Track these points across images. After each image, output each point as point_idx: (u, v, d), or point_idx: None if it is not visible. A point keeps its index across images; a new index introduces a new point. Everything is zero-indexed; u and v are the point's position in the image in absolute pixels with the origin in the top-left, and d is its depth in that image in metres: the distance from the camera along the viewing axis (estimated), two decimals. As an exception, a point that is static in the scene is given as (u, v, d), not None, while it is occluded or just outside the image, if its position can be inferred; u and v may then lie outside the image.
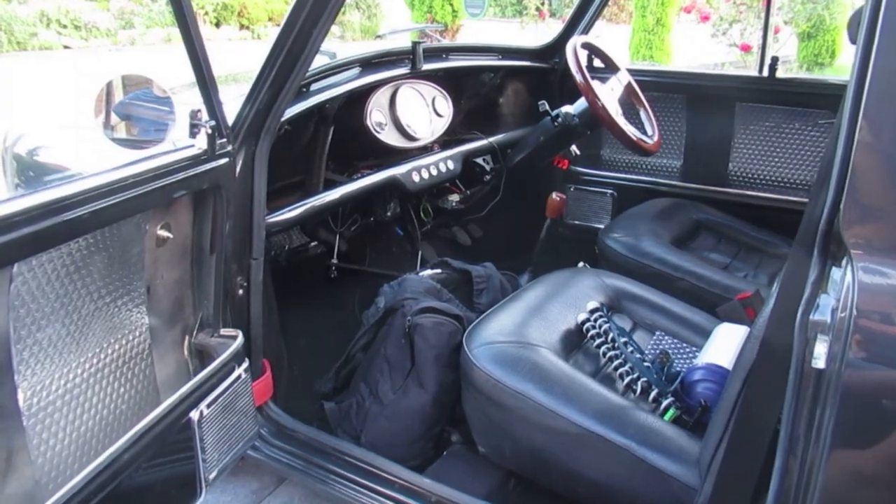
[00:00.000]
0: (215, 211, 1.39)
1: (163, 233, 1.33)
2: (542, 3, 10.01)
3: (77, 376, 1.18)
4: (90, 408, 1.21)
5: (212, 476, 1.33)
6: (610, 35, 7.92)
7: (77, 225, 1.09)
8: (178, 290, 1.42)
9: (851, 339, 0.83)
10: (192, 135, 1.30)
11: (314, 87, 1.76)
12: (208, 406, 1.29)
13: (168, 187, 1.24)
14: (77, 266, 1.15)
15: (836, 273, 0.87)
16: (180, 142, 1.30)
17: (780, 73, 2.24)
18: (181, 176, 1.26)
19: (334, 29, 12.40)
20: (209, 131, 1.29)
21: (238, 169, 1.41)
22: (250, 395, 1.44)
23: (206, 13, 12.39)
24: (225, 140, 1.35)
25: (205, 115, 1.30)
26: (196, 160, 1.29)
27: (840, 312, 0.83)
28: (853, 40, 0.91)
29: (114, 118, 1.38)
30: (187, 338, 1.46)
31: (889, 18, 0.80)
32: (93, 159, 1.40)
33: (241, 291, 1.51)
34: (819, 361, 0.86)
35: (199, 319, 1.46)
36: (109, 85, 1.34)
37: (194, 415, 1.26)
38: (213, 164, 1.33)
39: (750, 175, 2.37)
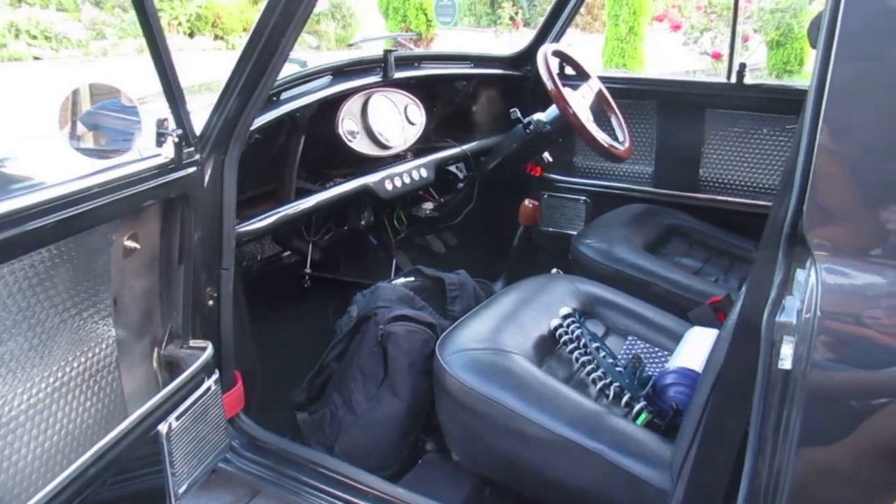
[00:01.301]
0: (183, 220, 1.37)
1: (130, 243, 1.31)
2: (516, 13, 10.10)
3: (41, 391, 1.15)
4: (55, 423, 1.18)
5: (181, 490, 1.31)
6: (584, 44, 8.01)
7: (40, 235, 1.07)
8: (146, 301, 1.40)
9: (816, 340, 0.83)
10: (159, 144, 1.28)
11: (285, 95, 1.75)
12: (177, 418, 1.27)
13: (134, 197, 1.22)
14: (41, 278, 1.13)
15: (800, 275, 0.88)
16: (147, 151, 1.29)
17: (747, 80, 2.27)
18: (148, 185, 1.24)
19: (310, 39, 12.41)
20: (176, 140, 1.28)
21: (207, 178, 1.40)
22: (221, 406, 1.43)
23: (180, 23, 12.31)
24: (192, 149, 1.34)
25: (172, 124, 1.28)
26: (163, 169, 1.28)
27: (805, 314, 0.84)
28: (813, 45, 0.93)
29: (80, 128, 1.36)
30: (156, 349, 1.44)
31: (847, 24, 0.81)
32: (59, 170, 1.38)
33: (211, 302, 1.49)
34: (785, 363, 0.87)
35: (169, 331, 1.44)
36: (75, 94, 1.32)
37: (162, 428, 1.24)
38: (181, 173, 1.31)
39: (720, 180, 2.40)
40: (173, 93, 1.24)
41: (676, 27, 7.95)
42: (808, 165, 0.85)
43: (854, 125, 0.84)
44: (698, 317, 1.73)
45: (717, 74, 7.18)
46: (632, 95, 2.47)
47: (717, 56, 7.41)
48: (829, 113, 0.83)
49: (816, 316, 0.83)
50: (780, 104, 2.23)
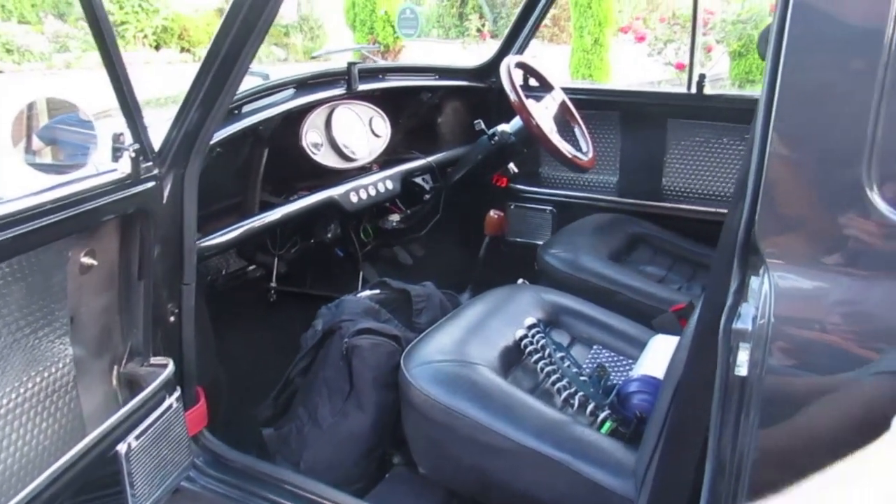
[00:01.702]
0: (143, 236, 1.35)
1: (87, 259, 1.28)
2: (483, 25, 10.17)
3: (-6, 413, 1.13)
4: (9, 445, 1.15)
5: (142, 510, 1.28)
6: (551, 54, 8.09)
7: None
8: (104, 318, 1.37)
9: (771, 346, 0.85)
10: (115, 159, 1.26)
11: (247, 108, 1.74)
12: (137, 438, 1.25)
13: (90, 213, 1.20)
14: (-8, 297, 1.10)
15: (754, 282, 0.90)
16: (103, 166, 1.27)
17: (707, 90, 2.31)
18: (104, 201, 1.22)
19: (277, 51, 12.35)
20: (132, 155, 1.26)
21: (166, 192, 1.38)
22: (183, 424, 1.40)
23: (146, 36, 12.19)
24: (150, 163, 1.32)
25: (129, 139, 1.26)
26: (120, 184, 1.25)
27: (760, 320, 0.85)
28: (763, 57, 0.95)
29: (36, 142, 1.34)
30: (116, 367, 1.41)
31: (794, 36, 0.83)
32: (14, 185, 1.35)
33: (172, 318, 1.47)
34: (742, 369, 0.88)
35: (129, 348, 1.42)
36: (31, 108, 1.30)
37: (121, 448, 1.22)
38: (139, 188, 1.29)
39: (683, 189, 2.44)
40: (129, 106, 1.23)
41: (641, 38, 8.06)
42: (759, 174, 0.86)
43: (803, 134, 0.85)
44: (662, 324, 1.75)
45: (681, 84, 7.28)
46: (595, 106, 2.49)
47: (680, 66, 7.52)
48: (779, 122, 0.84)
49: (770, 322, 0.84)
50: (739, 114, 2.27)
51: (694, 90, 2.32)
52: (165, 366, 1.38)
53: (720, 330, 0.91)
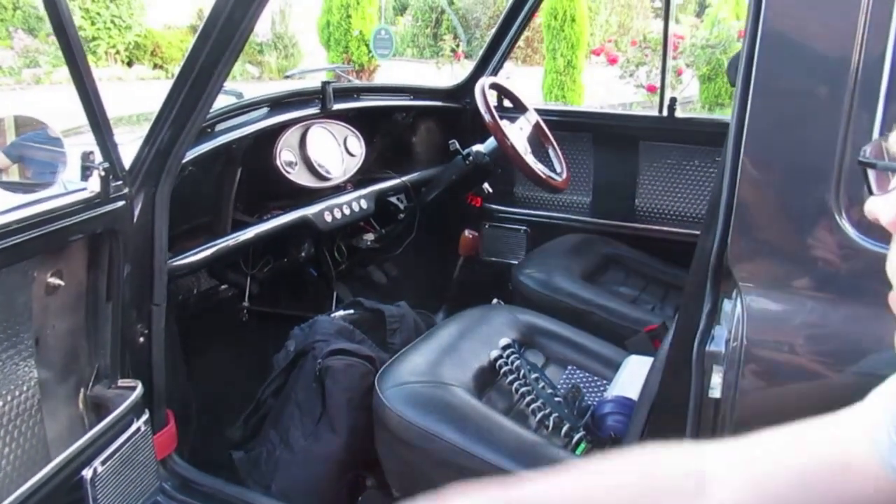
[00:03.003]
0: (112, 256, 1.33)
1: (53, 280, 1.25)
2: (458, 45, 10.25)
3: (-46, 438, 1.09)
4: (-31, 471, 1.12)
5: (108, 537, 1.25)
6: (524, 76, 8.17)
7: None
8: (71, 340, 1.34)
9: (744, 368, 0.85)
10: (84, 177, 1.24)
11: (220, 127, 1.73)
12: (103, 463, 1.22)
13: (57, 233, 1.17)
14: (-47, 318, 1.07)
15: (727, 305, 0.91)
16: (72, 185, 1.25)
17: (678, 113, 2.35)
18: (72, 220, 1.20)
19: (252, 70, 12.33)
20: (102, 173, 1.24)
21: (136, 212, 1.36)
22: (151, 448, 1.37)
23: (118, 52, 12.10)
24: (121, 182, 1.30)
25: (98, 157, 1.25)
26: (88, 204, 1.23)
27: (733, 342, 0.86)
28: (732, 83, 0.97)
29: (3, 160, 1.31)
30: (82, 390, 1.37)
31: (763, 63, 0.85)
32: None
33: (141, 339, 1.44)
34: (715, 391, 0.89)
35: (96, 370, 1.38)
36: (-2, 125, 1.28)
37: (87, 473, 1.19)
38: (108, 207, 1.27)
39: (655, 210, 2.46)
40: (99, 124, 1.21)
41: (613, 61, 8.19)
42: (731, 199, 0.88)
43: (773, 159, 0.87)
44: (635, 344, 1.76)
45: (652, 106, 7.41)
46: (568, 128, 2.52)
47: (651, 89, 7.65)
48: (748, 148, 0.86)
49: (743, 345, 0.85)
50: (710, 137, 2.31)
51: (665, 113, 2.36)
52: (134, 388, 1.35)
53: (693, 352, 0.92)
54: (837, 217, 0.83)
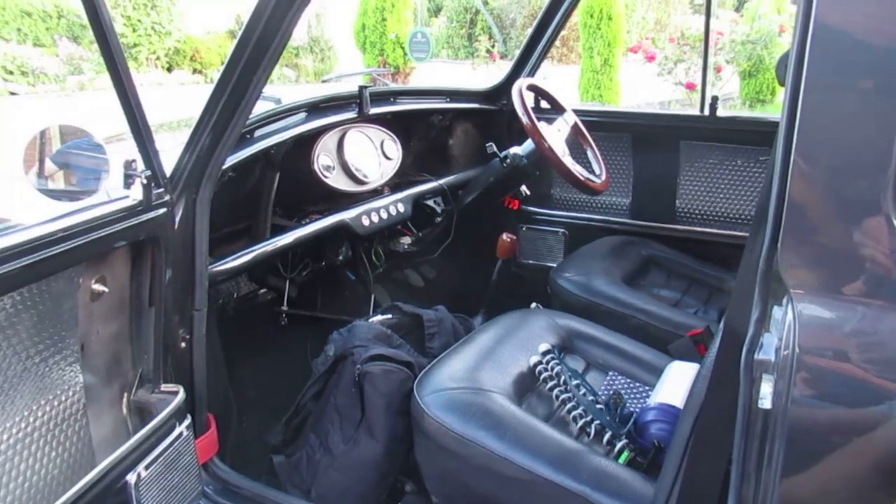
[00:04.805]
0: (154, 262, 1.34)
1: (98, 286, 1.27)
2: (493, 46, 10.23)
3: (2, 443, 1.11)
4: (18, 475, 1.14)
5: (151, 541, 1.26)
6: (560, 75, 8.13)
7: (3, 282, 1.04)
8: (115, 345, 1.36)
9: (796, 377, 0.83)
10: (127, 185, 1.26)
11: (259, 132, 1.74)
12: (146, 468, 1.23)
13: (101, 240, 1.19)
14: (2, 326, 1.09)
15: (777, 312, 0.87)
16: (115, 192, 1.26)
17: (720, 112, 2.30)
18: (115, 228, 1.21)
19: (289, 73, 12.47)
20: (144, 181, 1.25)
21: (178, 218, 1.37)
22: (193, 452, 1.38)
23: (158, 58, 12.34)
24: (162, 190, 1.31)
25: (140, 165, 1.26)
26: (131, 211, 1.25)
27: (783, 351, 0.83)
28: (781, 82, 0.94)
29: (49, 168, 1.34)
30: (126, 395, 1.39)
31: (815, 60, 0.82)
32: (29, 212, 1.35)
33: (183, 344, 1.46)
34: (765, 401, 0.86)
35: (139, 375, 1.40)
36: (43, 134, 1.30)
37: (131, 478, 1.20)
38: (150, 214, 1.28)
39: (697, 211, 2.41)
40: (141, 132, 1.22)
41: (651, 58, 8.09)
42: (781, 202, 0.85)
43: (826, 160, 0.84)
44: (678, 350, 1.72)
45: (691, 104, 7.30)
46: (607, 128, 2.48)
47: (690, 86, 7.54)
48: (801, 148, 0.83)
49: (795, 353, 0.82)
50: (753, 136, 2.25)
51: (707, 112, 2.31)
52: (176, 393, 1.37)
53: (742, 360, 0.89)
54: (894, 219, 0.80)
